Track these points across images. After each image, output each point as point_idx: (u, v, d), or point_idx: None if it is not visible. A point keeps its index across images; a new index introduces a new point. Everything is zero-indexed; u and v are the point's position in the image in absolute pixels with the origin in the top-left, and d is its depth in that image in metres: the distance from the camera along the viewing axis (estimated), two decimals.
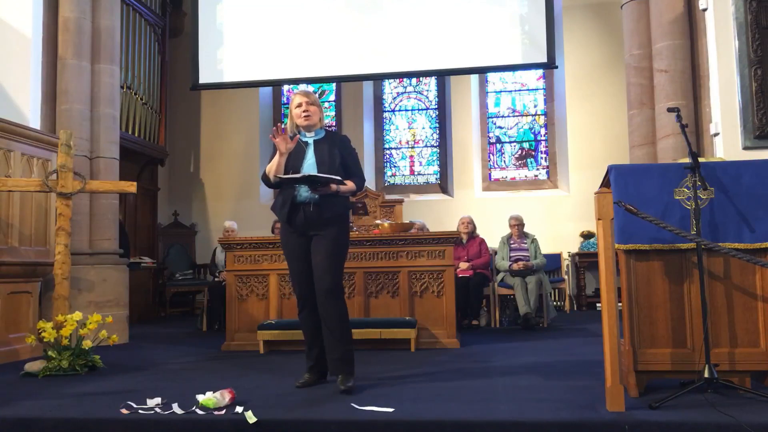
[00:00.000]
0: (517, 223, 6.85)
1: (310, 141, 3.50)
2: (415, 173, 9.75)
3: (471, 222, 6.94)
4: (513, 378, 3.56)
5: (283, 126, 3.42)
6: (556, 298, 8.25)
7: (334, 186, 3.35)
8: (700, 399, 2.72)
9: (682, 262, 3.00)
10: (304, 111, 3.47)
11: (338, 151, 3.46)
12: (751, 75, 4.73)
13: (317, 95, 3.69)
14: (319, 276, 3.34)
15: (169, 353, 4.94)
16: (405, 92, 9.96)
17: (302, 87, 3.66)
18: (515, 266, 6.54)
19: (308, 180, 3.32)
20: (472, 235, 6.91)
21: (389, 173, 9.81)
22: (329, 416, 2.71)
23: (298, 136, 3.48)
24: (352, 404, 2.85)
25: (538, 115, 9.56)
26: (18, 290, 4.82)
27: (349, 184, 3.43)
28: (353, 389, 3.18)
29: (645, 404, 2.70)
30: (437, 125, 9.80)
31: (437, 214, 8.73)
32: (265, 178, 3.48)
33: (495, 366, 4.02)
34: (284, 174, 3.38)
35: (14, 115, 5.17)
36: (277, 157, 3.40)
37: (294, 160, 3.44)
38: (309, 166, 3.41)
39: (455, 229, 6.64)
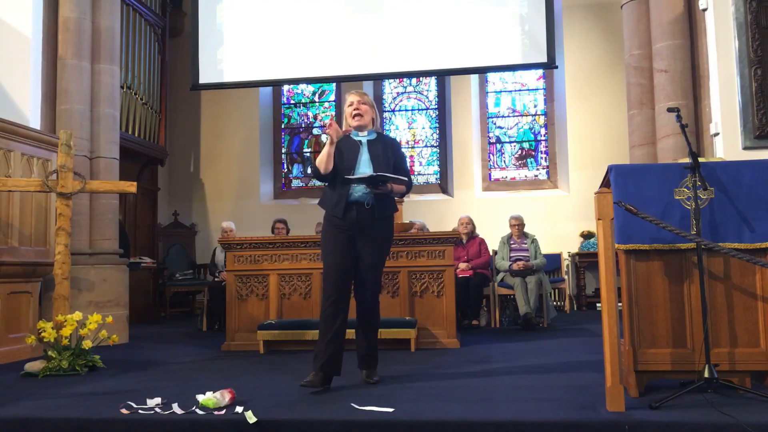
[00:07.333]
0: (518, 223, 6.84)
1: (363, 140, 3.54)
2: (415, 173, 9.73)
3: (470, 222, 6.93)
4: (513, 378, 3.56)
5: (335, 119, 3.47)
6: (556, 298, 8.24)
7: (389, 185, 3.42)
8: (700, 399, 2.72)
9: (682, 262, 3.00)
10: (355, 109, 3.53)
11: (391, 153, 3.53)
12: (751, 75, 4.73)
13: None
14: (369, 279, 3.46)
15: (169, 353, 4.94)
16: (405, 92, 9.95)
17: (357, 90, 3.76)
18: (515, 266, 6.53)
19: (373, 179, 3.35)
20: (472, 235, 6.91)
21: None
22: (329, 416, 2.70)
23: (350, 129, 3.53)
24: (352, 404, 2.85)
25: (538, 115, 9.56)
26: (18, 290, 4.83)
27: (401, 186, 3.52)
28: (378, 381, 3.44)
29: (645, 404, 2.70)
30: (437, 125, 9.79)
31: (437, 214, 8.72)
32: (316, 172, 3.45)
33: (495, 366, 4.02)
34: (341, 174, 3.39)
35: (14, 115, 5.17)
36: (327, 146, 3.40)
37: (347, 159, 3.46)
38: (364, 164, 3.45)
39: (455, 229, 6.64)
